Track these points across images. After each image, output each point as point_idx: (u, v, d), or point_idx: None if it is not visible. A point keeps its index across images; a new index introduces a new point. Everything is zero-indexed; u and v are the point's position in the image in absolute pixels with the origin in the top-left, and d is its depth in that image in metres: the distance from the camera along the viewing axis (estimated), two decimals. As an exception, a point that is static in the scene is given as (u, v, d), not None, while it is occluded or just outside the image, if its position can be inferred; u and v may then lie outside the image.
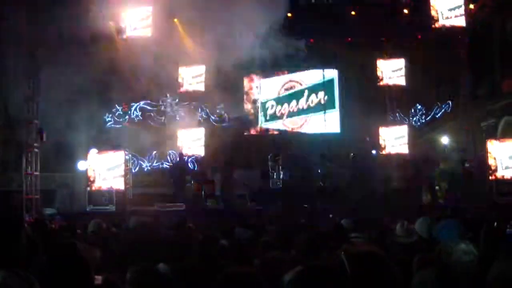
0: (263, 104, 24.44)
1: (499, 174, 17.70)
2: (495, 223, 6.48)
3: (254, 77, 24.43)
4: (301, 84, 24.31)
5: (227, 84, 21.68)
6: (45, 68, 18.08)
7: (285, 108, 24.25)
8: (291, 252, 5.39)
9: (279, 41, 18.86)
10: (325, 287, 2.20)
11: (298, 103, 24.15)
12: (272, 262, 4.51)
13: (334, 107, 23.83)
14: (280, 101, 24.37)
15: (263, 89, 24.44)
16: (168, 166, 22.51)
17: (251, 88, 24.59)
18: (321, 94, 23.83)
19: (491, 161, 17.78)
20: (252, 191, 19.75)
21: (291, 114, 24.25)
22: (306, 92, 24.14)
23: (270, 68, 22.49)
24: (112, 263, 5.27)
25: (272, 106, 24.40)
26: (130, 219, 8.86)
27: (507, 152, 17.83)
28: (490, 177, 17.82)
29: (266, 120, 24.38)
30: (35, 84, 18.17)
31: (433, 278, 3.10)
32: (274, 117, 24.38)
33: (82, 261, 3.32)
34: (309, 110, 24.07)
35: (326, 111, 23.67)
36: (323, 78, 23.67)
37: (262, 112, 24.43)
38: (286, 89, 24.42)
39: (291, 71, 24.34)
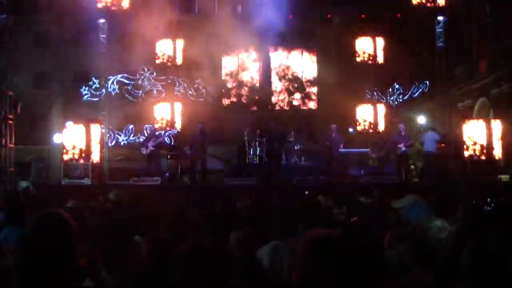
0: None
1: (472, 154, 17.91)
2: (473, 201, 6.55)
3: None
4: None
5: (205, 60, 21.55)
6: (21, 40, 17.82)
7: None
8: (267, 228, 5.42)
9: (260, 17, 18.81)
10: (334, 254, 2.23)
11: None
12: (249, 236, 4.55)
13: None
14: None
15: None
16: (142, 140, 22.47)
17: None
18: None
19: (466, 141, 17.96)
20: (229, 166, 19.76)
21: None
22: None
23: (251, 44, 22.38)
24: (88, 236, 5.26)
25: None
26: (110, 192, 8.82)
27: (481, 132, 18.01)
28: (465, 157, 18.02)
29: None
30: (9, 55, 17.89)
31: (409, 253, 3.15)
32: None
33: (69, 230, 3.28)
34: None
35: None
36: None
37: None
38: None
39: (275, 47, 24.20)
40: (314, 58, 24.05)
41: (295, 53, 24.02)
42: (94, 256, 4.13)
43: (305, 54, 24.18)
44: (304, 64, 24.45)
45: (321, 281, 2.22)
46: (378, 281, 2.79)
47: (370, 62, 21.46)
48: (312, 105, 23.73)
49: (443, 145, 19.48)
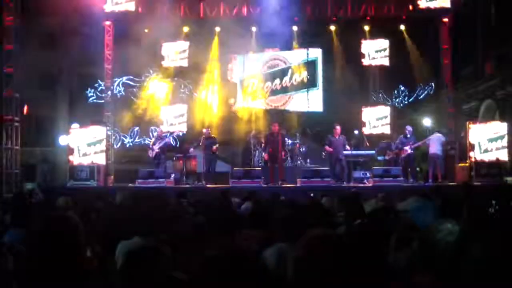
0: (242, 81, 23.98)
1: (478, 156, 17.85)
2: (477, 204, 6.53)
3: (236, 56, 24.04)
4: (285, 63, 24.09)
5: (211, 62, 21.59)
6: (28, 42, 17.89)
7: (268, 86, 23.95)
8: (268, 229, 5.39)
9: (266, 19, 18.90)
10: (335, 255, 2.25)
11: (282, 81, 23.91)
12: (251, 238, 4.53)
13: (316, 86, 23.70)
14: (263, 78, 23.95)
15: (246, 65, 23.91)
16: (149, 143, 22.48)
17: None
18: (304, 73, 23.66)
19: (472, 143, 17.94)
20: (235, 168, 19.73)
21: (275, 92, 24.03)
22: (290, 70, 23.90)
23: (257, 45, 22.30)
24: (93, 237, 5.26)
25: (253, 83, 23.90)
26: (117, 194, 8.80)
27: (486, 134, 17.98)
28: (469, 159, 17.98)
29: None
30: (15, 57, 17.96)
31: (416, 256, 3.13)
32: (254, 95, 23.93)
33: (75, 232, 3.29)
34: (292, 88, 23.88)
35: (309, 89, 23.56)
36: (307, 57, 23.53)
37: (241, 90, 23.97)
38: (269, 67, 24.11)
39: (281, 48, 24.01)
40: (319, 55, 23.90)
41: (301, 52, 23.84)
42: (103, 257, 4.14)
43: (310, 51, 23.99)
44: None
45: (321, 281, 2.22)
46: (382, 283, 2.79)
47: (375, 64, 21.40)
48: (317, 106, 23.61)
49: (449, 147, 19.40)
